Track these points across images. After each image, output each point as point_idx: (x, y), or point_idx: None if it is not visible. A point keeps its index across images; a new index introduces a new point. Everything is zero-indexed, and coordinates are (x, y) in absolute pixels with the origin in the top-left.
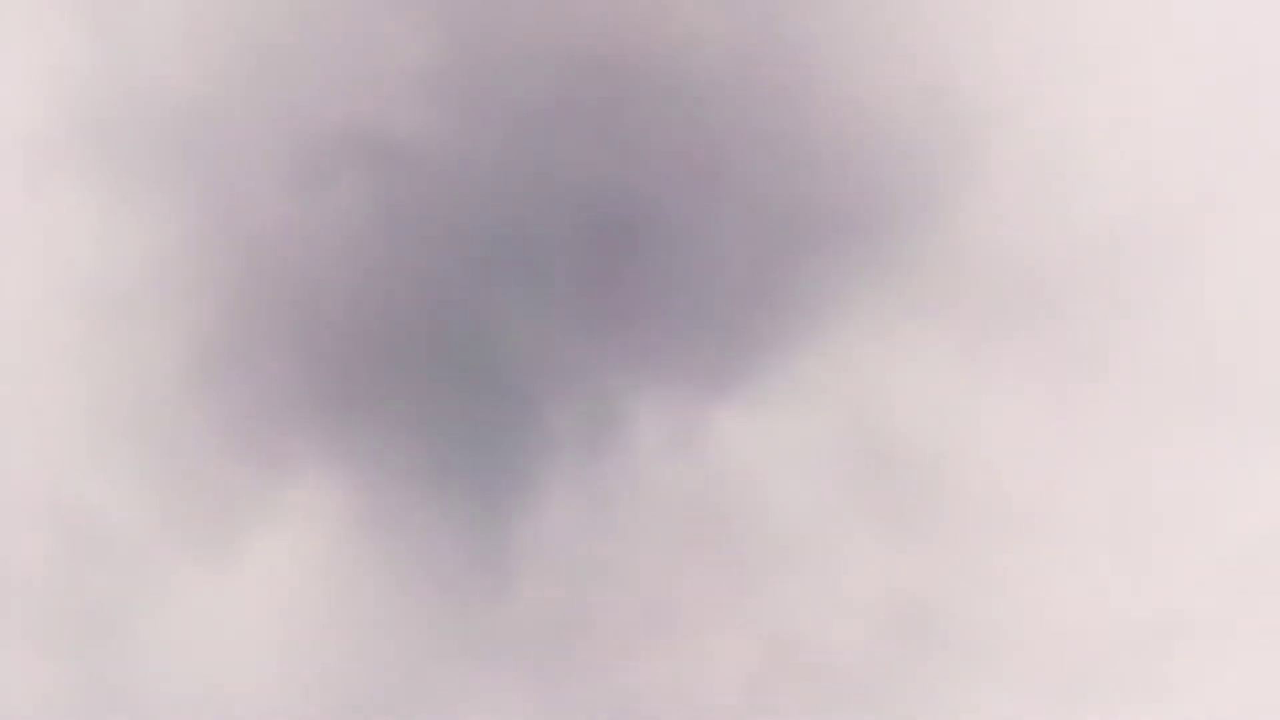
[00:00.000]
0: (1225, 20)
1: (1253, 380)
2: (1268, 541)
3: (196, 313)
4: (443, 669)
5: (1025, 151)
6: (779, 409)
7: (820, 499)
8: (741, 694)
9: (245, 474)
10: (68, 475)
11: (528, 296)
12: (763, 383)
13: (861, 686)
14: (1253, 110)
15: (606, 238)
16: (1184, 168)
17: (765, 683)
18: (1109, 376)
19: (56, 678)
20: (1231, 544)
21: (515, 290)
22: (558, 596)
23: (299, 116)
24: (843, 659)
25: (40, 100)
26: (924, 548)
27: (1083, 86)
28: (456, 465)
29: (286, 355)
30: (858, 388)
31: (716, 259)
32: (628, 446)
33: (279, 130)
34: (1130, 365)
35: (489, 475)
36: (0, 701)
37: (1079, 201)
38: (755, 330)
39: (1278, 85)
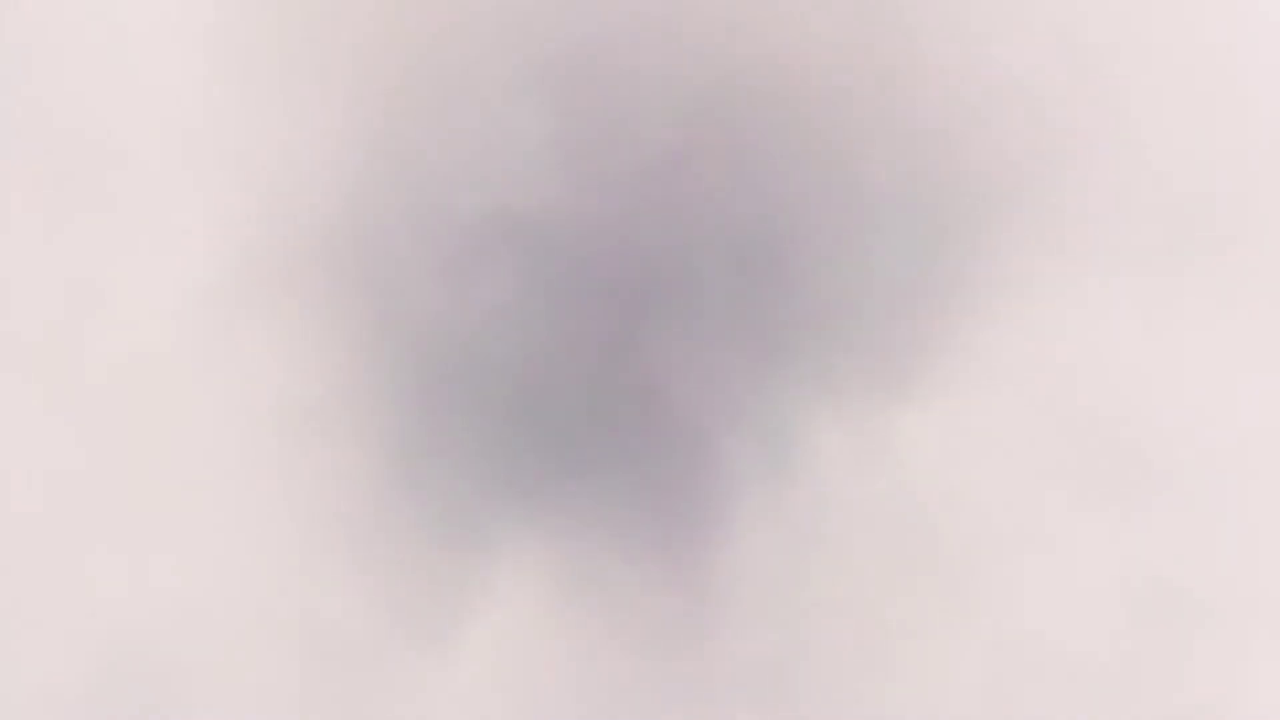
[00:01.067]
0: None
1: None
2: None
3: (380, 415)
4: None
5: (1170, 75)
6: (963, 400)
7: (1024, 486)
8: (981, 706)
9: (451, 562)
10: (280, 590)
11: (688, 340)
12: (941, 376)
13: (1114, 680)
14: None
15: (752, 266)
16: None
17: (1003, 697)
18: None
19: None
20: None
21: (675, 337)
22: (767, 631)
23: (438, 209)
24: (1088, 657)
25: (209, 251)
26: (1152, 520)
27: (1220, 27)
28: (647, 519)
29: (468, 440)
30: (1037, 359)
31: (868, 261)
32: (814, 469)
33: (424, 227)
34: None
35: (681, 523)
36: None
37: (1241, 126)
38: (922, 325)
39: None
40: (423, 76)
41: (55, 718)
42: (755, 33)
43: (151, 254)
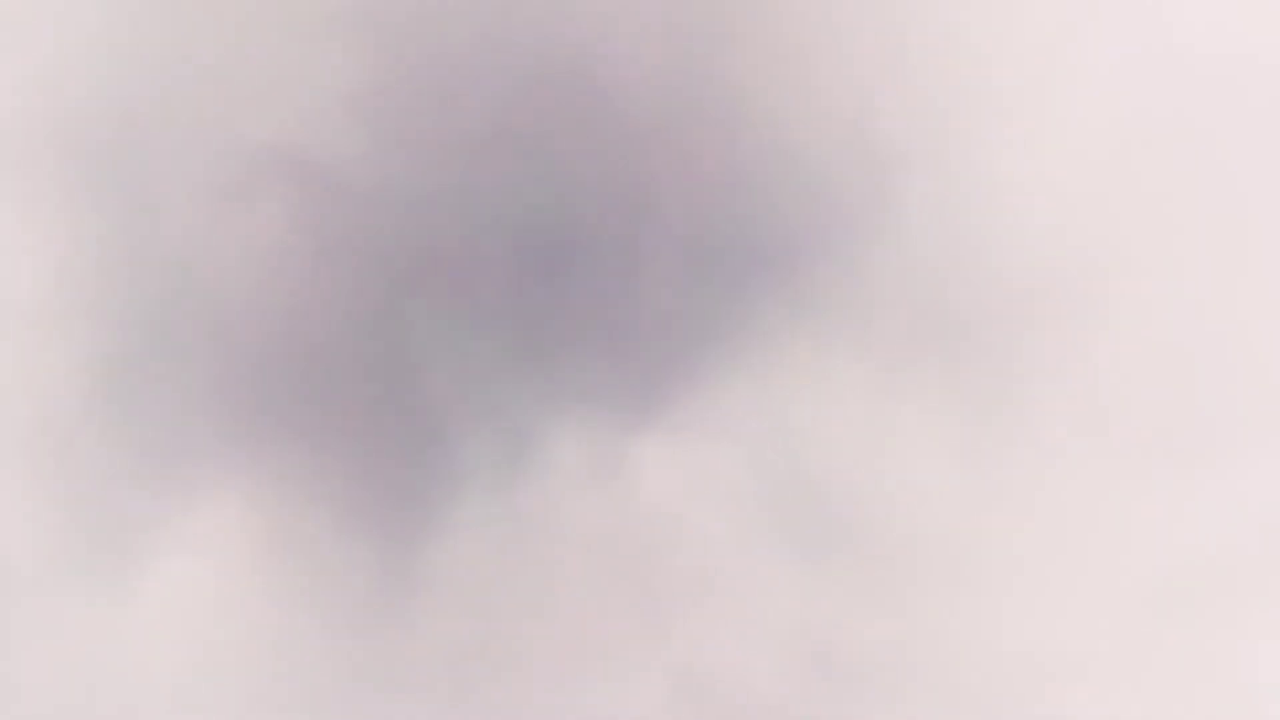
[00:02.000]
0: (1146, 70)
1: (1158, 421)
2: (1173, 579)
3: (103, 329)
4: (347, 698)
5: (942, 194)
6: (697, 440)
7: (736, 530)
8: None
9: (146, 498)
10: None
11: (448, 322)
12: (681, 414)
13: (774, 717)
14: (1169, 164)
15: (530, 266)
16: (1098, 216)
17: (679, 715)
18: (1018, 414)
19: None
20: (1137, 581)
21: (435, 315)
22: (469, 626)
23: (221, 133)
24: (755, 690)
25: None
26: (837, 580)
27: (1000, 131)
28: (368, 491)
29: (196, 376)
30: (775, 420)
31: (638, 290)
32: (544, 476)
33: (200, 146)
34: (1038, 404)
35: (401, 502)
36: None
37: (993, 244)
38: (675, 362)
39: (1195, 141)
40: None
41: None
42: (587, 42)
43: None
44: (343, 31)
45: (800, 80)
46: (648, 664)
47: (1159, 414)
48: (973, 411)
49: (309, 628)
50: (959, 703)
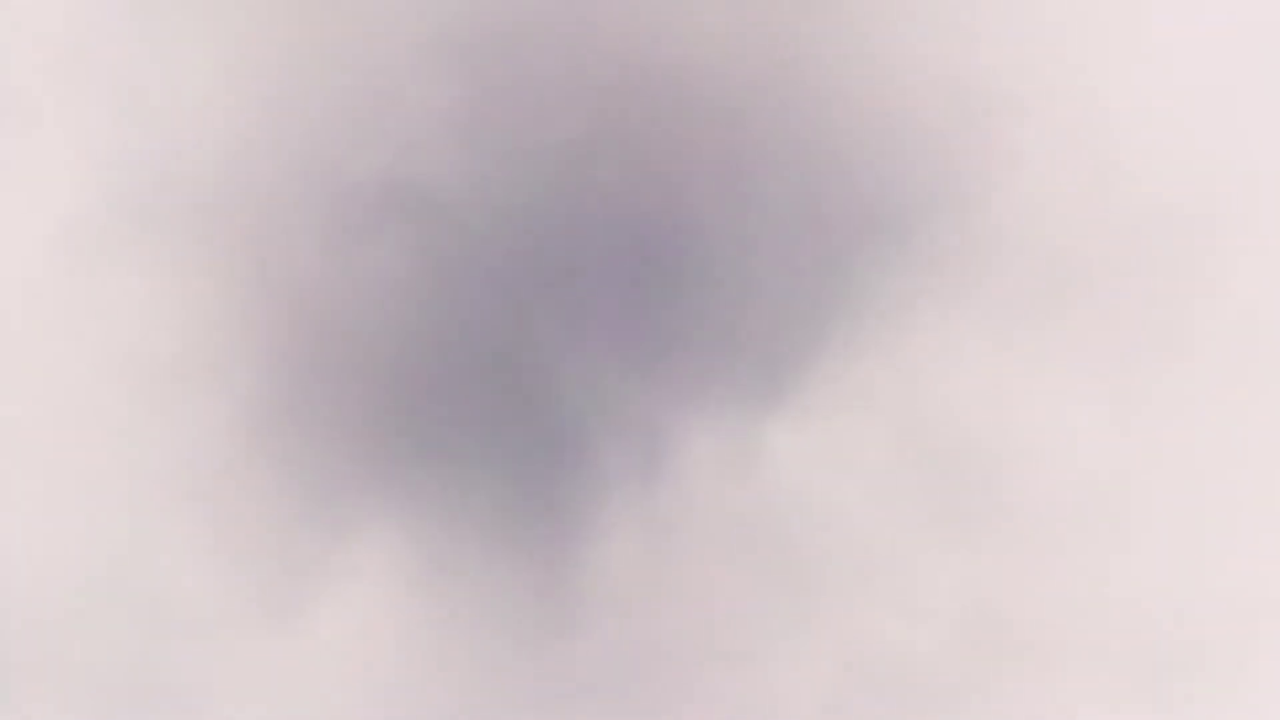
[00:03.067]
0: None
1: None
2: None
3: (246, 376)
4: (516, 713)
5: (1054, 139)
6: (830, 418)
7: (879, 506)
8: (819, 713)
9: (306, 536)
10: (128, 550)
11: (571, 332)
12: (812, 393)
13: (941, 695)
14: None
15: (644, 265)
16: (1220, 144)
17: (842, 700)
18: (1161, 357)
19: None
20: None
21: (558, 327)
22: (625, 630)
23: (329, 173)
24: (919, 668)
25: (79, 186)
26: (989, 548)
27: (1107, 71)
28: (513, 508)
29: (338, 413)
30: (906, 389)
31: (754, 274)
32: (682, 473)
33: (311, 189)
34: (1181, 344)
35: (547, 515)
36: None
37: (1110, 186)
38: (799, 342)
39: None
40: (327, 34)
41: None
42: (671, 38)
43: (15, 187)
44: (434, 59)
45: (893, 38)
46: (811, 653)
47: None
48: (1114, 359)
49: (473, 648)
50: (1128, 663)
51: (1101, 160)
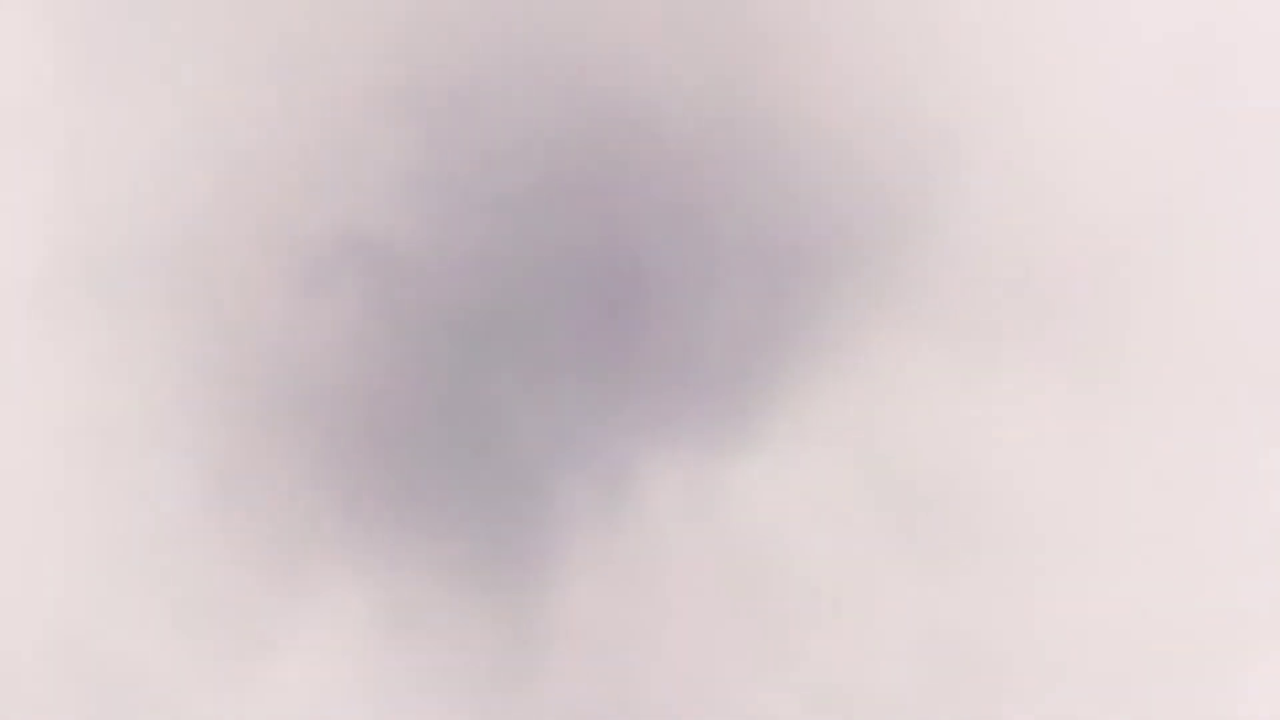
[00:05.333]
0: (1207, 12)
1: (1269, 372)
2: None
3: (201, 433)
4: None
5: (1010, 160)
6: (791, 452)
7: (845, 541)
8: None
9: (266, 591)
10: (81, 613)
11: (530, 378)
12: (772, 428)
13: None
14: (1238, 96)
15: (600, 309)
16: (1172, 160)
17: None
18: (1120, 379)
19: None
20: (1262, 537)
21: (517, 374)
22: (592, 672)
23: (285, 228)
24: (886, 701)
25: (27, 245)
26: (956, 578)
27: (1062, 88)
28: (476, 555)
29: (294, 465)
30: (867, 421)
31: (710, 312)
32: (645, 514)
33: (266, 243)
34: (1139, 365)
35: (510, 561)
36: None
37: (1069, 205)
38: (758, 377)
39: (1261, 71)
40: (284, 87)
41: None
42: (621, 85)
43: None
44: (386, 110)
45: (842, 74)
46: (778, 688)
47: (1269, 364)
48: (1072, 381)
49: (439, 697)
50: (1100, 681)
51: (1046, 185)
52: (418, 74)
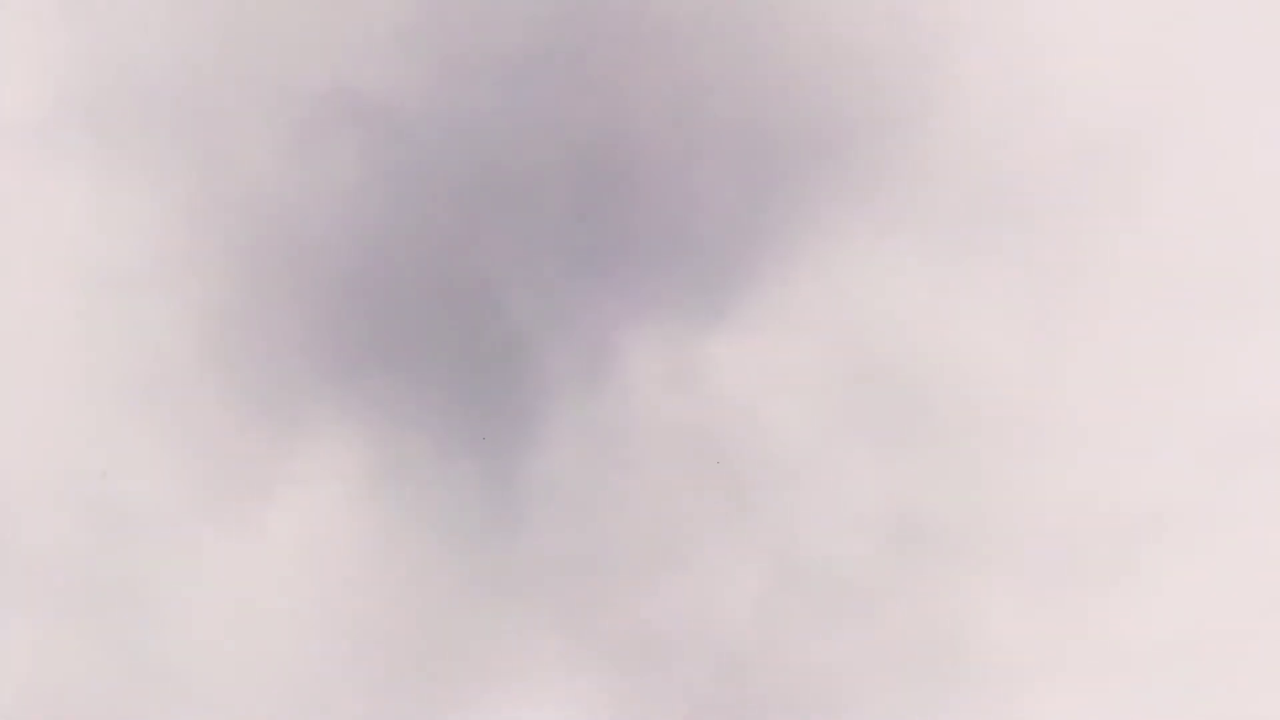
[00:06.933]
0: None
1: (1224, 274)
2: (1251, 430)
3: (199, 282)
4: (465, 610)
5: (990, 63)
6: (770, 333)
7: (816, 418)
8: (752, 613)
9: (259, 439)
10: (83, 453)
11: (520, 242)
12: (753, 309)
13: (870, 596)
14: (1212, 13)
15: (592, 180)
16: (1152, 69)
17: (774, 601)
18: (1083, 277)
19: (87, 651)
20: (1215, 432)
21: (506, 237)
22: (568, 531)
23: (285, 82)
24: (848, 572)
25: (32, 89)
26: (919, 458)
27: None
28: (462, 412)
29: (290, 318)
30: (845, 306)
31: (700, 192)
32: (626, 382)
33: (267, 97)
34: (1104, 265)
35: (493, 420)
36: (30, 677)
37: (1041, 113)
38: (740, 260)
39: None
40: None
41: None
42: None
43: None
44: None
45: (825, 16)
46: (740, 557)
47: (1225, 267)
48: (1037, 278)
49: (420, 547)
50: (1048, 566)
51: (1033, 87)
52: None
